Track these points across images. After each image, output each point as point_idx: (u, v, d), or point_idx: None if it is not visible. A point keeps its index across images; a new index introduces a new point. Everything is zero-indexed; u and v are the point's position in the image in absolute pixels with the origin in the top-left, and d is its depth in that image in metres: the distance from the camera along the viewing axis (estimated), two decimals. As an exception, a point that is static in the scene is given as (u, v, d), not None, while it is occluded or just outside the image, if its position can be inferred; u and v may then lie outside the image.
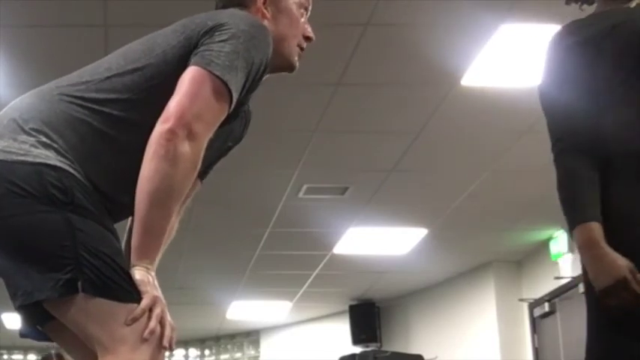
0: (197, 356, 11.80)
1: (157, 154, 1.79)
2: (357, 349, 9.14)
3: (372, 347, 9.34)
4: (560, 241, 7.34)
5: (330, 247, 7.81)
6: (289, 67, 2.26)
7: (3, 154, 1.83)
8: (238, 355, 11.56)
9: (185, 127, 1.80)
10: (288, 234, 7.48)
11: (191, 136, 1.81)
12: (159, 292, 1.83)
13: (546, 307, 7.24)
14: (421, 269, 8.54)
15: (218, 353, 11.71)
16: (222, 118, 1.89)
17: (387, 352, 8.42)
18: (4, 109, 1.99)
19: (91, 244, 1.78)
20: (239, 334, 11.39)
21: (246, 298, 9.62)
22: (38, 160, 1.82)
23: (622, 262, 2.01)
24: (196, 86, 1.84)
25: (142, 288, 1.79)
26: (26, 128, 1.88)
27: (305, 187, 6.41)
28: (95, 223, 1.82)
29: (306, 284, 9.07)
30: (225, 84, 1.86)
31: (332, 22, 4.32)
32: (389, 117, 5.35)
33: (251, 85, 1.98)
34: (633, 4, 2.23)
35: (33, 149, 1.84)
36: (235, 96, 1.89)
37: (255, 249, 7.82)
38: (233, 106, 1.90)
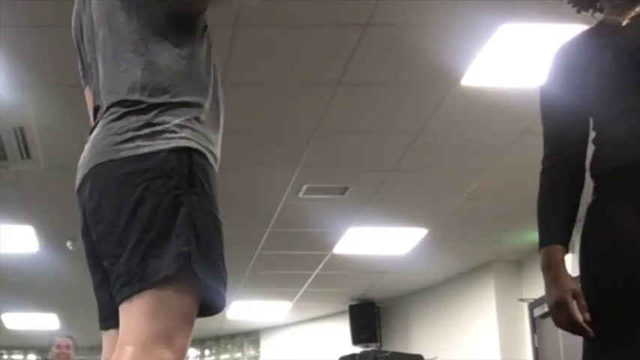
0: (197, 356, 11.80)
1: None
2: (357, 349, 9.15)
3: (372, 347, 9.34)
4: (560, 241, 7.33)
5: (330, 247, 7.81)
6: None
7: None
8: (238, 355, 11.56)
9: None
10: (288, 234, 7.48)
11: None
12: None
13: (546, 307, 7.21)
14: (421, 269, 8.54)
15: (218, 353, 11.71)
16: None
17: (387, 352, 8.42)
18: None
19: None
20: (239, 334, 11.40)
21: (246, 298, 9.62)
22: None
23: (568, 286, 2.14)
24: None
25: None
26: None
27: (305, 187, 6.41)
28: None
29: (306, 284, 9.08)
30: None
31: (332, 22, 4.33)
32: (389, 117, 5.35)
33: None
34: (625, 22, 2.24)
35: None
36: None
37: (255, 249, 7.83)
38: None
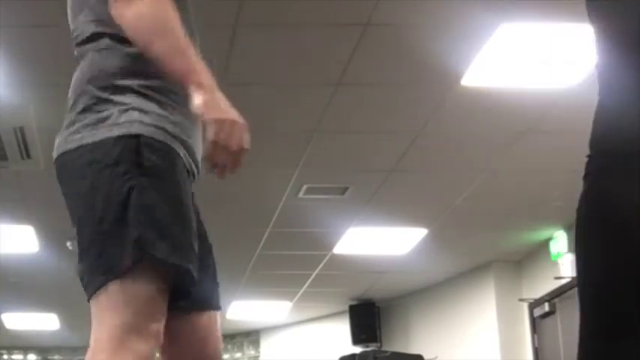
0: (197, 356, 11.79)
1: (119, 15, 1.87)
2: (357, 349, 9.15)
3: (372, 347, 9.34)
4: (560, 241, 7.34)
5: (330, 247, 7.81)
6: None
7: None
8: (238, 355, 11.56)
9: None
10: (288, 234, 7.48)
11: None
12: None
13: (546, 307, 7.23)
14: (421, 269, 8.54)
15: (218, 353, 11.71)
16: None
17: (387, 352, 8.43)
18: None
19: None
20: (239, 334, 11.39)
21: (246, 298, 9.62)
22: None
23: None
24: None
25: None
26: None
27: (305, 187, 6.41)
28: None
29: (306, 284, 9.08)
30: None
31: (332, 22, 4.33)
32: (389, 117, 5.35)
33: None
34: None
35: None
36: None
37: (255, 249, 7.82)
38: None
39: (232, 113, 1.83)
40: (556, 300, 7.13)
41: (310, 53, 4.64)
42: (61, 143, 1.91)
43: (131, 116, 1.85)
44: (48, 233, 7.31)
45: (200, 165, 2.00)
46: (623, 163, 1.91)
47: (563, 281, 6.94)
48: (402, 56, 4.64)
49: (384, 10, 4.19)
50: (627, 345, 1.96)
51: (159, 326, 1.80)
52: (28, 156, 5.68)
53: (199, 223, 2.02)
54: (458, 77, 4.81)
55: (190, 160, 1.95)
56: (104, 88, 1.89)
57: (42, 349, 11.88)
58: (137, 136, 1.83)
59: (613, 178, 1.93)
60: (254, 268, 8.41)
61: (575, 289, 2.12)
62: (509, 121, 5.33)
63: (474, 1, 4.15)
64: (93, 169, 1.82)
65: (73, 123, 1.89)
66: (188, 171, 1.94)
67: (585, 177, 1.98)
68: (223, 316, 10.21)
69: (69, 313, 9.92)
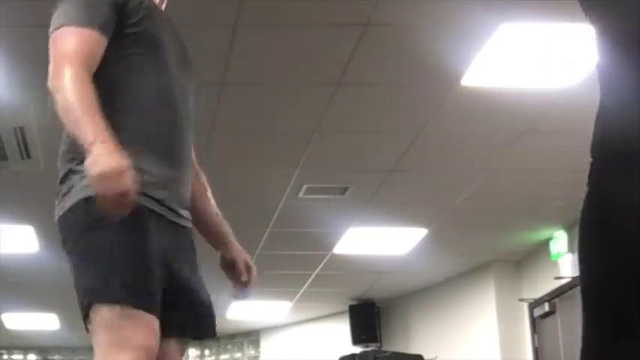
0: (197, 356, 11.80)
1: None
2: (357, 349, 9.15)
3: (372, 347, 9.34)
4: (560, 241, 7.33)
5: (330, 247, 7.81)
6: None
7: None
8: (238, 355, 11.56)
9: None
10: (288, 234, 7.48)
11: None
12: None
13: (546, 307, 7.23)
14: (421, 269, 8.54)
15: (218, 353, 11.70)
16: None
17: (387, 352, 8.43)
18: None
19: None
20: (239, 334, 11.39)
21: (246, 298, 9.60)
22: None
23: None
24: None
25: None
26: None
27: (305, 187, 6.41)
28: None
29: (306, 284, 9.08)
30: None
31: (332, 22, 4.33)
32: (389, 117, 5.35)
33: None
34: None
35: None
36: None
37: (255, 249, 7.82)
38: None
39: (110, 165, 1.98)
40: (556, 300, 7.13)
41: (310, 53, 4.64)
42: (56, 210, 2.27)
43: (84, 182, 2.11)
44: (48, 233, 7.31)
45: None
46: (623, 163, 1.91)
47: (563, 281, 6.94)
48: (402, 56, 4.64)
49: (384, 10, 4.19)
50: (627, 345, 1.96)
51: (144, 340, 2.08)
52: (28, 156, 5.68)
53: (179, 251, 2.29)
54: (458, 77, 4.80)
55: (167, 204, 2.22)
56: (70, 160, 2.21)
57: (42, 349, 11.88)
58: (87, 199, 2.11)
59: (613, 178, 1.93)
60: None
61: (576, 289, 2.12)
62: (509, 121, 5.33)
63: (474, 1, 4.15)
64: (65, 234, 2.23)
65: (57, 193, 2.25)
66: (160, 214, 2.19)
67: (588, 179, 1.99)
68: (223, 316, 10.21)
69: (69, 313, 9.91)
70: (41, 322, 10.49)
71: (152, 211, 2.16)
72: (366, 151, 5.85)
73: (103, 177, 1.95)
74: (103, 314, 2.07)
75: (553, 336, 7.18)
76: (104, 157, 1.97)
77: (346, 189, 6.47)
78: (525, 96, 5.00)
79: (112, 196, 1.96)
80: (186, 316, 2.25)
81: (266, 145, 5.66)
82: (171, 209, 2.23)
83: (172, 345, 2.25)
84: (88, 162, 1.99)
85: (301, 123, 5.41)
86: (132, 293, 2.07)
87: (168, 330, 2.17)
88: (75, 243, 2.16)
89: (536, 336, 7.60)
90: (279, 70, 4.77)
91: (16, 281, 8.63)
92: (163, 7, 2.42)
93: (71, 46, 2.26)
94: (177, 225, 2.26)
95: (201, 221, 2.49)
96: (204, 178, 2.53)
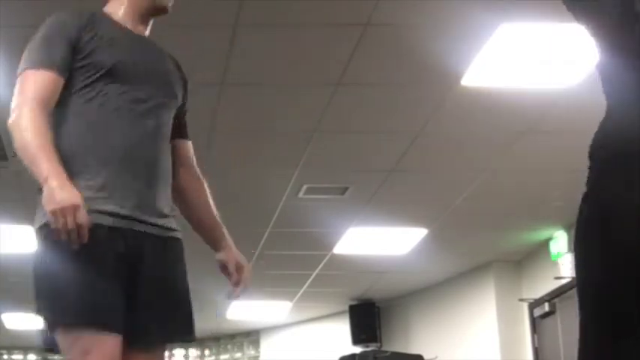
0: (197, 356, 11.80)
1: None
2: (357, 349, 9.15)
3: (372, 347, 9.34)
4: (560, 241, 7.34)
5: (330, 247, 7.81)
6: (159, 10, 2.53)
7: None
8: (238, 355, 11.56)
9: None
10: (288, 234, 7.48)
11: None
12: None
13: (546, 307, 7.24)
14: (421, 269, 8.54)
15: (218, 353, 11.71)
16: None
17: (387, 352, 8.43)
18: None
19: None
20: (239, 334, 11.40)
21: (246, 298, 9.60)
22: None
23: None
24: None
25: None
26: None
27: (305, 187, 6.41)
28: None
29: (306, 284, 9.08)
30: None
31: (332, 22, 4.33)
32: (389, 117, 5.35)
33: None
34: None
35: None
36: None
37: (255, 249, 7.82)
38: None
39: (63, 200, 2.13)
40: (556, 300, 7.13)
41: (310, 53, 4.64)
42: None
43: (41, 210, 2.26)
44: (48, 233, 7.30)
45: (160, 209, 2.38)
46: (623, 163, 1.91)
47: (563, 281, 6.94)
48: (402, 56, 4.64)
49: (384, 10, 4.19)
50: (627, 345, 1.96)
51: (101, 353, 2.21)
52: (28, 156, 5.68)
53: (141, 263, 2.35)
54: (458, 77, 4.80)
55: (127, 215, 2.31)
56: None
57: (41, 350, 11.87)
58: (46, 224, 2.22)
59: (613, 178, 1.93)
60: (254, 268, 8.38)
61: (575, 290, 2.11)
62: (509, 121, 5.33)
63: (474, 1, 4.15)
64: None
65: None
66: (114, 227, 2.29)
67: (587, 178, 1.98)
68: (223, 316, 10.22)
69: (69, 313, 9.91)
70: (41, 322, 10.47)
71: (101, 225, 2.26)
72: (366, 151, 5.85)
73: (56, 213, 2.12)
74: (60, 337, 2.28)
75: (553, 336, 7.18)
76: (57, 192, 2.13)
77: (346, 189, 6.47)
78: (525, 96, 5.00)
79: (66, 231, 2.12)
80: (157, 317, 2.33)
81: (266, 145, 5.66)
82: (134, 219, 2.31)
83: (140, 355, 2.33)
84: (43, 197, 2.16)
85: (301, 123, 5.41)
86: (82, 316, 2.22)
87: (137, 335, 2.28)
88: (36, 264, 2.31)
89: (536, 336, 7.60)
90: (279, 70, 4.77)
91: (16, 281, 8.62)
92: (147, 30, 2.53)
93: (30, 88, 2.46)
94: (146, 233, 2.34)
95: (200, 226, 2.62)
96: (204, 183, 2.60)
